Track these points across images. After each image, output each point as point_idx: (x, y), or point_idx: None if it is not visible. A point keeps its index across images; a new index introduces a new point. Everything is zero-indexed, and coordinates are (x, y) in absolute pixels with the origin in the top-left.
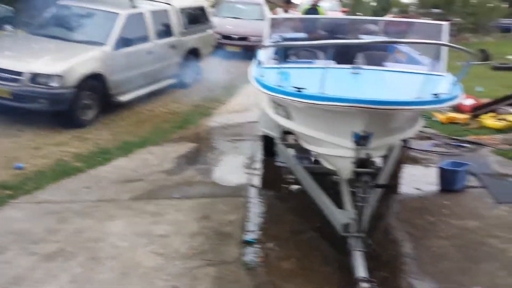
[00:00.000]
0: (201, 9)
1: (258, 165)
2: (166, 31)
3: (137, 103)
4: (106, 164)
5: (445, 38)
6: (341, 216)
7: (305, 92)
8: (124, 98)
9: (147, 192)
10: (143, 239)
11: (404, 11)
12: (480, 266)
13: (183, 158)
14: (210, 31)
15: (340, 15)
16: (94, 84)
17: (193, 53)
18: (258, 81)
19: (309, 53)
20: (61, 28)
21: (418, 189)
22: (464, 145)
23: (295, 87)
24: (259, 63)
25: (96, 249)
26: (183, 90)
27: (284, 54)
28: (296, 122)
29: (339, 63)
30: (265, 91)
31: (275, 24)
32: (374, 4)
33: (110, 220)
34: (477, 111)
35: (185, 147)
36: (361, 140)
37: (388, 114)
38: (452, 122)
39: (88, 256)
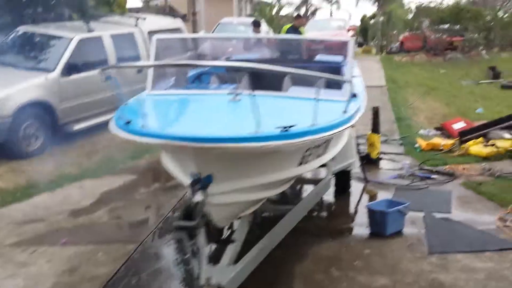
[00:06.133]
0: (178, 32)
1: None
2: (132, 56)
3: (97, 132)
4: (23, 200)
5: (350, 54)
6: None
7: (130, 125)
8: (78, 126)
9: (36, 236)
10: None
11: (417, 28)
12: None
13: (110, 193)
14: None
15: (343, 34)
16: (39, 113)
17: None
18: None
19: (218, 77)
20: (16, 55)
21: (346, 231)
22: (433, 176)
23: (126, 120)
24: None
25: None
26: None
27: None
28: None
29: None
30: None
31: (162, 45)
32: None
33: None
34: (464, 136)
35: (121, 180)
36: (196, 182)
37: (218, 152)
38: (434, 149)
39: None
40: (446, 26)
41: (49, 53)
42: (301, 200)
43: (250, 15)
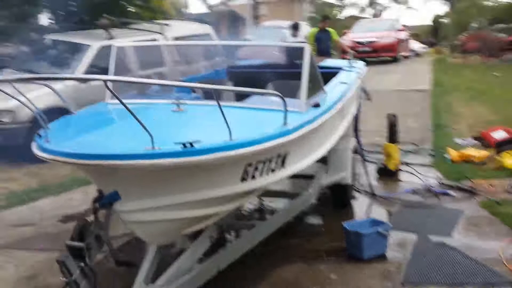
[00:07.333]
0: (207, 37)
1: None
2: (155, 62)
3: None
4: (26, 204)
5: (307, 61)
6: None
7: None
8: None
9: (18, 240)
10: None
11: (479, 28)
12: None
13: None
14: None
15: (390, 35)
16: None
17: None
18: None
19: None
20: (39, 62)
21: (323, 252)
22: (451, 192)
23: (38, 134)
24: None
25: None
26: None
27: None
28: None
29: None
30: None
31: (121, 53)
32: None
33: None
34: (501, 146)
35: None
36: (97, 200)
37: (112, 169)
38: (466, 161)
39: None
40: (502, 25)
41: (71, 60)
42: (271, 217)
43: (310, 18)
